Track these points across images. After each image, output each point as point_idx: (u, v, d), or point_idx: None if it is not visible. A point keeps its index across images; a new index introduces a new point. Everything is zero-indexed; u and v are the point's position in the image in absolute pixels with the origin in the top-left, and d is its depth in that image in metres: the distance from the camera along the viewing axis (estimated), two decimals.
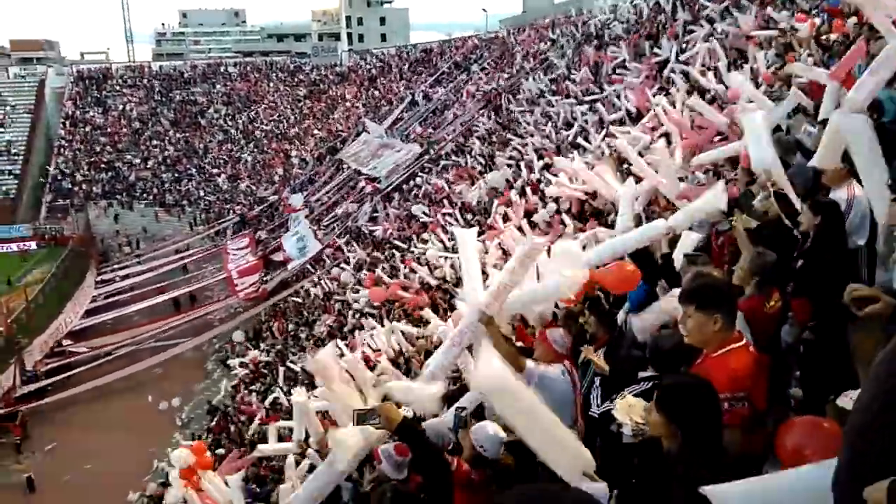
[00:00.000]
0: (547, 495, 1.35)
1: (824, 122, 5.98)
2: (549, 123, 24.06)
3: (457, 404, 4.97)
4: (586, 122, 21.03)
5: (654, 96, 16.05)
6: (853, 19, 9.68)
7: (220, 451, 15.93)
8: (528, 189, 17.98)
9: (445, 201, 25.14)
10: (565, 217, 13.04)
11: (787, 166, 6.21)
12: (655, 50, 21.76)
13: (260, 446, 9.17)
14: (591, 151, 16.50)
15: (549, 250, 5.26)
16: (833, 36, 10.37)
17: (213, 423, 21.36)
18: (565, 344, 4.72)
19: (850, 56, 6.62)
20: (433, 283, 17.08)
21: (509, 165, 22.57)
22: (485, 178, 23.38)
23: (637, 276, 5.57)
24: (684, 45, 20.27)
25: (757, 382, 3.03)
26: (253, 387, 22.12)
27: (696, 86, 14.19)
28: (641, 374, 4.07)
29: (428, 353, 10.08)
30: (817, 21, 11.38)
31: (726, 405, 2.78)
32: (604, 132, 17.30)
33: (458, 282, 15.16)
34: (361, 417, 3.90)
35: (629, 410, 3.01)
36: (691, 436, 2.40)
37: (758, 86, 10.41)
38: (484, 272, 6.10)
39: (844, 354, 3.19)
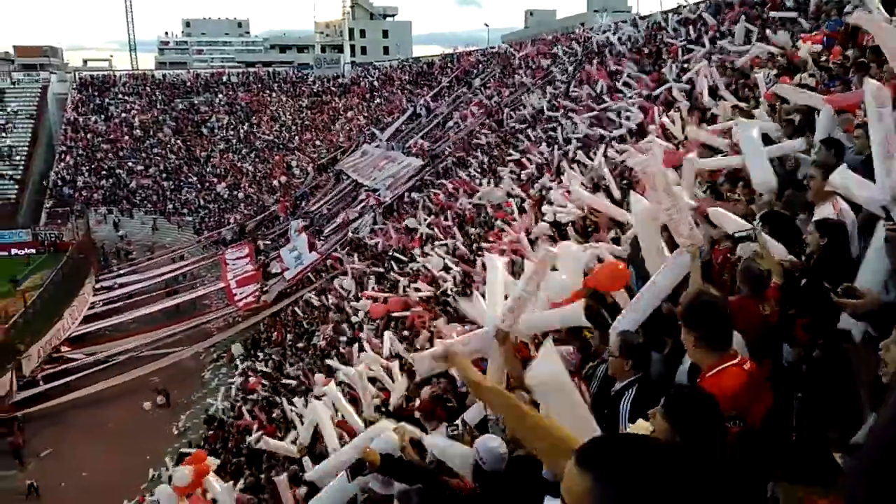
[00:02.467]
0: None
1: (822, 143, 6.06)
2: (551, 139, 24.19)
3: (461, 417, 5.05)
4: (586, 137, 21.16)
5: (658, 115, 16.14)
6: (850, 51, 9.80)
7: (217, 460, 15.88)
8: (527, 204, 18.06)
9: (448, 213, 25.21)
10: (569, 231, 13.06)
11: (786, 186, 6.30)
12: (662, 70, 21.89)
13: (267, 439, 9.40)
14: (592, 168, 16.57)
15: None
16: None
17: (210, 432, 21.27)
18: (574, 362, 4.78)
19: (857, 94, 6.63)
20: (431, 295, 17.06)
21: (511, 179, 22.66)
22: (485, 191, 23.43)
23: (626, 275, 5.64)
24: (684, 65, 20.47)
25: (752, 399, 3.04)
26: (251, 396, 22.04)
27: (698, 105, 14.28)
28: (618, 386, 4.09)
29: None
30: (817, 47, 11.46)
31: None
32: (604, 148, 17.38)
33: (461, 293, 15.20)
34: (355, 472, 4.36)
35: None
36: (691, 442, 2.48)
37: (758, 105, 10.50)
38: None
39: (847, 374, 3.26)
